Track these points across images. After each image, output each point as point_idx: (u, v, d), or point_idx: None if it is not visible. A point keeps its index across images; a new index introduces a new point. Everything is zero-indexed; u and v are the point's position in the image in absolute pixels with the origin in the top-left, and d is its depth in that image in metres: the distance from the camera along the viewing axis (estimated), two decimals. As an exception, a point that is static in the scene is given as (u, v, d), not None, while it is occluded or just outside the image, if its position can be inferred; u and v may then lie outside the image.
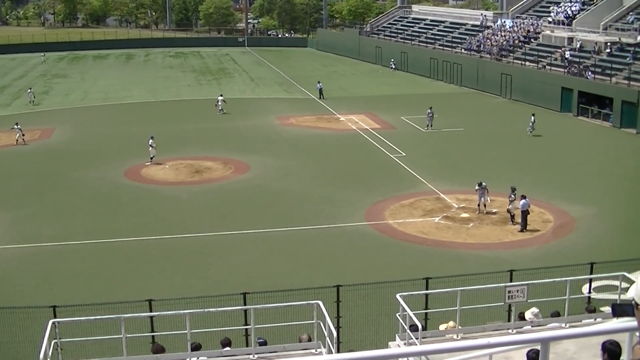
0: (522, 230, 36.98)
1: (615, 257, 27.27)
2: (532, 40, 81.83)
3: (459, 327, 18.92)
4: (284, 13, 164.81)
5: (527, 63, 76.53)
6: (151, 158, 50.44)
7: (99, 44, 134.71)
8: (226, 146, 55.87)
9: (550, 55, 75.49)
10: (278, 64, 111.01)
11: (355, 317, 24.59)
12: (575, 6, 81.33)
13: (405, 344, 17.97)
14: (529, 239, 36.04)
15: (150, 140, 50.46)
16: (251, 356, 17.97)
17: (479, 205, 39.71)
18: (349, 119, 66.14)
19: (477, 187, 39.39)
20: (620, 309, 6.08)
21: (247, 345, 19.79)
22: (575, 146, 56.47)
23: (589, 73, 67.60)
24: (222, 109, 69.58)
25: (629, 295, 5.98)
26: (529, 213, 37.25)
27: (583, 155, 53.70)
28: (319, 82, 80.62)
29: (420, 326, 17.88)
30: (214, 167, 50.06)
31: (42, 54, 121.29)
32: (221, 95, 71.84)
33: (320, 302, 17.90)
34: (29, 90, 77.90)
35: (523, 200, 36.89)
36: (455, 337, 18.65)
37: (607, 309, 20.49)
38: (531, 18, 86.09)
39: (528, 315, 19.83)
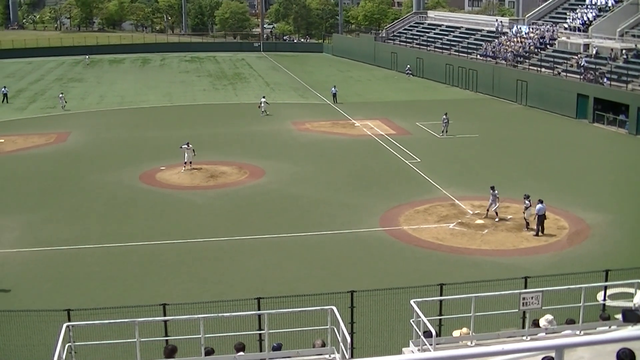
0: (537, 234, 36.97)
1: (630, 265, 27.17)
2: (548, 46, 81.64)
3: (473, 333, 18.87)
4: (299, 18, 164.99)
5: (543, 69, 76.36)
6: (188, 163, 50.26)
7: (115, 48, 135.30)
8: (241, 151, 55.95)
9: (566, 61, 75.30)
10: (294, 69, 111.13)
11: (369, 322, 24.54)
12: (592, 13, 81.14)
13: (419, 350, 17.93)
14: (544, 246, 35.93)
15: (185, 145, 50.26)
16: (265, 361, 17.96)
17: (487, 210, 39.73)
18: (364, 125, 66.13)
19: (491, 192, 39.43)
20: (631, 315, 6.09)
21: (260, 350, 19.78)
22: (590, 153, 56.31)
23: (605, 80, 67.39)
24: (264, 110, 71.26)
25: (635, 301, 5.99)
26: (545, 218, 37.22)
27: (598, 162, 53.53)
28: (334, 87, 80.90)
29: (434, 332, 17.83)
30: (229, 172, 50.12)
31: (87, 56, 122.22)
32: (264, 97, 73.61)
33: (334, 308, 17.87)
34: (60, 95, 78.02)
35: (539, 205, 36.86)
36: (469, 343, 18.60)
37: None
38: (547, 24, 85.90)
39: (542, 322, 19.74)
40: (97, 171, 50.34)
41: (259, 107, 71.60)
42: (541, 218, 37.08)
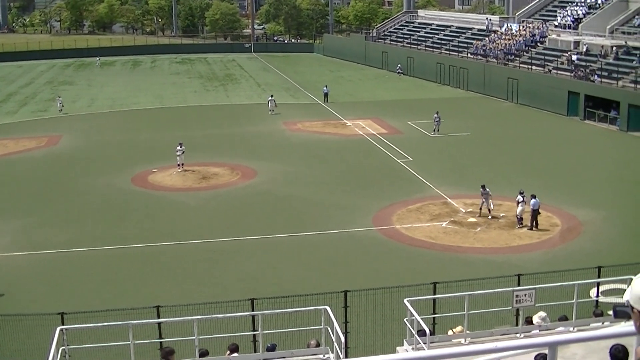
0: (531, 229, 37.14)
1: (623, 261, 27.20)
2: (538, 44, 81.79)
3: (467, 331, 18.91)
4: (290, 19, 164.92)
5: (534, 67, 76.48)
6: (181, 164, 50.27)
7: (106, 51, 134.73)
8: (233, 152, 55.92)
9: (556, 59, 75.45)
10: (285, 69, 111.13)
11: (363, 322, 24.56)
12: (582, 10, 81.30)
13: (413, 349, 17.96)
14: (537, 243, 35.99)
15: (178, 147, 50.30)
16: (259, 362, 17.99)
17: (480, 209, 39.79)
18: (356, 124, 66.17)
19: (481, 191, 39.50)
20: (622, 312, 6.12)
21: (255, 351, 19.80)
22: (582, 150, 56.43)
23: (596, 77, 67.54)
24: (272, 109, 72.23)
25: (624, 298, 6.00)
26: (539, 213, 37.38)
27: (590, 159, 53.66)
28: (325, 86, 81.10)
29: (428, 331, 17.87)
30: (221, 173, 50.10)
31: (98, 58, 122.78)
32: (272, 96, 74.41)
33: (328, 308, 17.90)
34: (58, 98, 77.79)
35: (533, 200, 37.08)
36: (463, 341, 18.64)
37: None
38: (537, 22, 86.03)
39: (536, 319, 19.81)
40: (89, 174, 50.25)
41: (272, 107, 72.39)
42: (535, 213, 37.25)
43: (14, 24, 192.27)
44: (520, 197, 37.76)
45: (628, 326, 6.11)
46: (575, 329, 18.98)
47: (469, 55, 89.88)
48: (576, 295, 19.41)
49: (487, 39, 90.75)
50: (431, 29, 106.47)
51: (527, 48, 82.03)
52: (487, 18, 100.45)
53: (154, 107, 79.37)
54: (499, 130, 64.33)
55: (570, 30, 79.61)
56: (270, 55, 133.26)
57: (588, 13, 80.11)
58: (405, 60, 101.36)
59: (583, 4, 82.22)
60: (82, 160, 54.51)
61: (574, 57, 72.61)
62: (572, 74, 70.50)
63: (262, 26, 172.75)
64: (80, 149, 58.45)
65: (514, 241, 36.40)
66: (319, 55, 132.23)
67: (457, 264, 33.42)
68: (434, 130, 61.14)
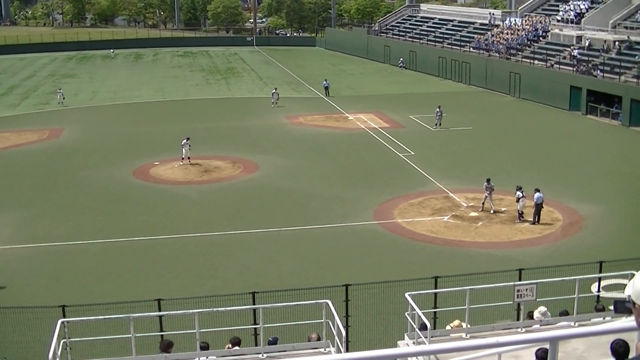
0: (533, 223, 37.12)
1: (624, 256, 27.23)
2: (540, 38, 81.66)
3: (468, 326, 18.90)
4: (292, 12, 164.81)
5: (536, 62, 76.39)
6: (187, 158, 50.18)
7: (108, 44, 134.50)
8: (235, 145, 55.89)
9: (559, 53, 75.32)
10: (287, 63, 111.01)
11: (364, 316, 24.57)
12: (584, 4, 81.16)
13: (414, 343, 17.95)
14: (538, 238, 35.98)
15: (184, 141, 50.21)
16: (260, 355, 17.98)
17: (483, 203, 39.74)
18: (358, 118, 66.11)
19: (485, 185, 39.45)
20: (622, 306, 6.09)
21: (256, 345, 19.81)
22: (584, 144, 56.36)
23: (598, 71, 67.43)
24: (275, 101, 72.50)
25: (626, 293, 5.98)
26: (542, 207, 37.34)
27: (592, 153, 53.59)
28: (325, 80, 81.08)
29: (429, 325, 17.85)
30: (222, 167, 50.09)
31: (112, 50, 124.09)
32: (275, 89, 74.99)
33: (329, 301, 17.90)
34: (59, 90, 77.90)
35: (538, 194, 37.04)
36: (464, 336, 18.63)
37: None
38: (540, 16, 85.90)
39: (537, 314, 19.79)
40: (90, 167, 50.26)
41: (275, 100, 72.45)
42: (539, 207, 37.23)
43: (16, 17, 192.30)
44: (520, 193, 37.69)
45: (629, 321, 6.09)
46: (577, 324, 18.97)
47: (471, 49, 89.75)
48: (577, 290, 19.38)
49: (489, 33, 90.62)
50: (433, 22, 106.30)
51: (529, 42, 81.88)
52: (489, 12, 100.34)
53: (155, 100, 79.32)
54: (500, 124, 64.26)
55: (572, 25, 79.50)
56: (272, 48, 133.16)
57: (590, 8, 80.00)
58: (407, 54, 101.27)
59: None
60: (84, 153, 54.50)
61: (576, 52, 72.51)
62: (575, 69, 70.40)
63: (264, 20, 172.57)
64: (82, 142, 58.43)
65: (515, 236, 36.39)
66: (321, 49, 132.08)
67: (459, 258, 33.41)
68: (436, 125, 61.07)
